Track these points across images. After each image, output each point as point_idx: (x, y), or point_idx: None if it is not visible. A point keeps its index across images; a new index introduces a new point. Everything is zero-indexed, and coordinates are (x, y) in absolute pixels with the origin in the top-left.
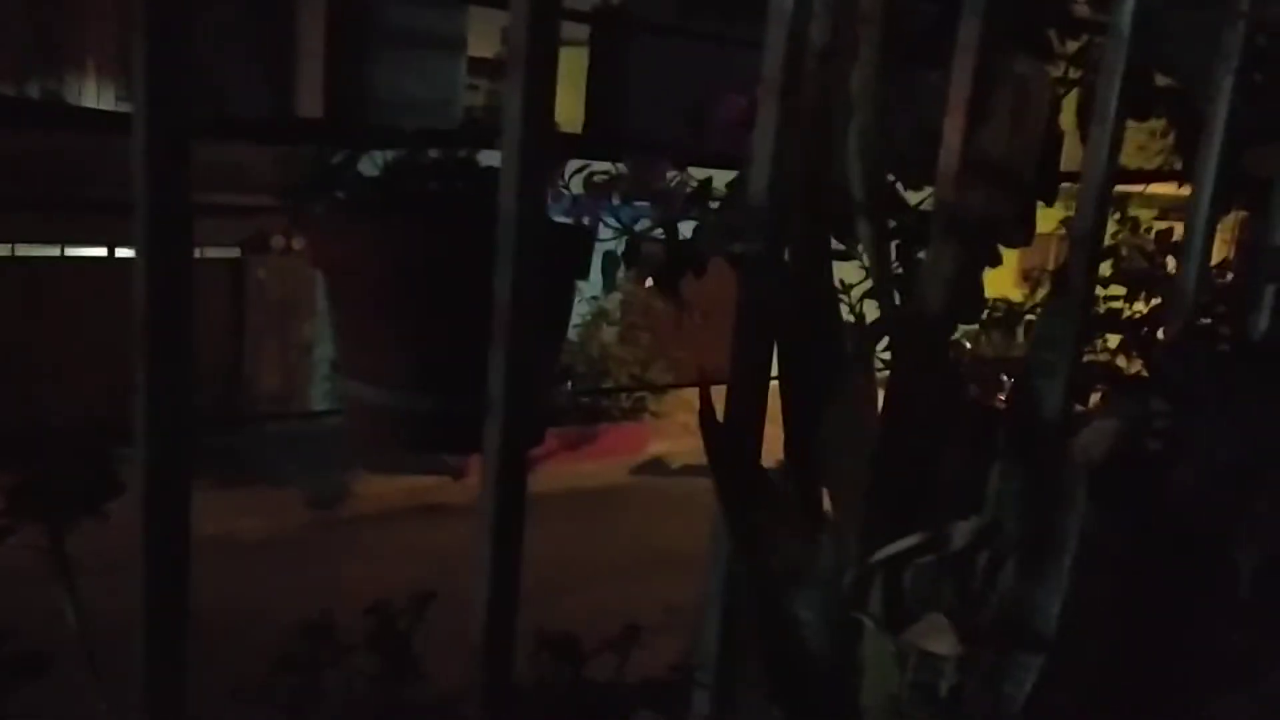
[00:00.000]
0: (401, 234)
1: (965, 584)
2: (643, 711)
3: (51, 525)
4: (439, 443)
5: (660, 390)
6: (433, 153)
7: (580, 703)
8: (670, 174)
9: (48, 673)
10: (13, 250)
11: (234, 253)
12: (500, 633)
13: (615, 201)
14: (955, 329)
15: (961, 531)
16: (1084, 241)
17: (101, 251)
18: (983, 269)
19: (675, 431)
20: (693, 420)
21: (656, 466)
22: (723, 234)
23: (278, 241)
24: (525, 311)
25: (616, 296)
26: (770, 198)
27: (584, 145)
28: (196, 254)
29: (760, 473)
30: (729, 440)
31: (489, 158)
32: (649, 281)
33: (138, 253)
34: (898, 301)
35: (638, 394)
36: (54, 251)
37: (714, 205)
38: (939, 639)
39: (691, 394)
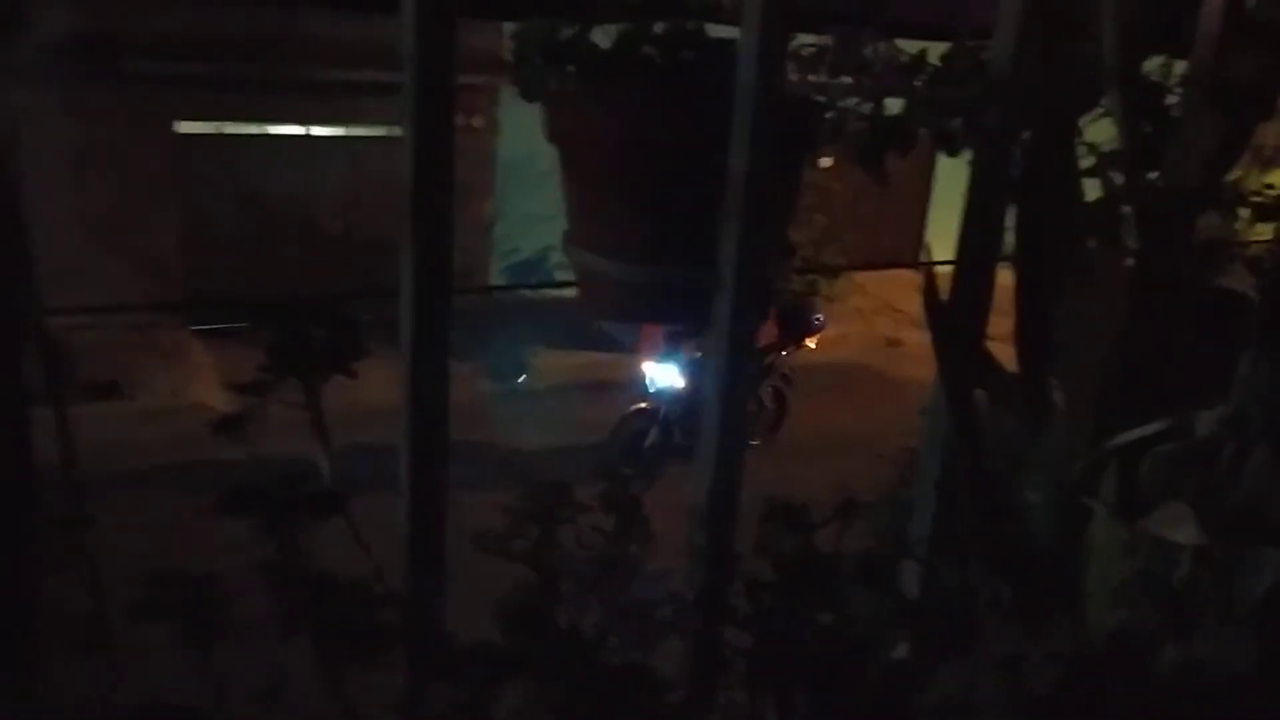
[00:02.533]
0: (634, 106)
1: (1209, 474)
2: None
3: (308, 382)
4: (667, 314)
5: (834, 273)
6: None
7: (807, 569)
8: (879, 45)
9: (341, 512)
10: (219, 128)
11: None
12: (725, 498)
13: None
14: (1207, 208)
15: (1206, 420)
16: None
17: (298, 130)
18: (1245, 143)
19: (847, 315)
20: (864, 304)
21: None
22: (937, 109)
23: (459, 120)
24: (760, 185)
25: None
26: (1014, 67)
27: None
28: (384, 132)
29: (985, 355)
30: (954, 321)
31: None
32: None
33: (407, 124)
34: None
35: (810, 276)
36: (254, 130)
37: (925, 79)
38: (1180, 528)
39: (864, 277)
